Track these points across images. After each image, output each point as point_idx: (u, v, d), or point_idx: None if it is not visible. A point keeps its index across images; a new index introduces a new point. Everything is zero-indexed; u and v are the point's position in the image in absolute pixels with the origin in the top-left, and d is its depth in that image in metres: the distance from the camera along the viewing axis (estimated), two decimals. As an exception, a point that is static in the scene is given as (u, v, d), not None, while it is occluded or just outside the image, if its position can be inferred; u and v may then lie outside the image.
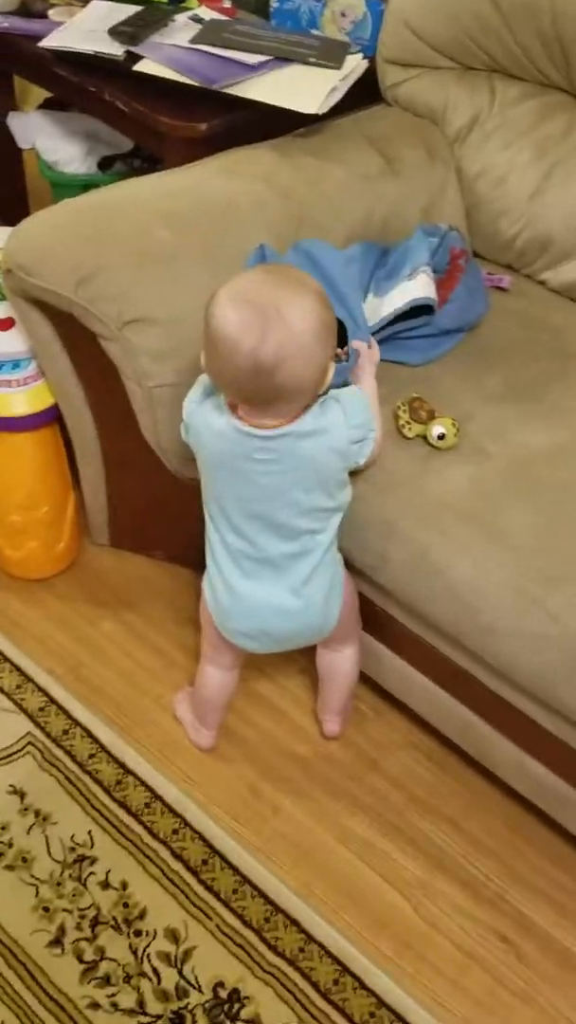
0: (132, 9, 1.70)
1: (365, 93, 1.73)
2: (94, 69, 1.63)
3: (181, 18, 1.74)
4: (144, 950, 1.26)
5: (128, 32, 1.62)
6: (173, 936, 1.27)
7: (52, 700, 1.52)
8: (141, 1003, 1.22)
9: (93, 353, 1.40)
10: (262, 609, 1.23)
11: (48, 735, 1.47)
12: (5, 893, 1.30)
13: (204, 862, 1.35)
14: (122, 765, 1.44)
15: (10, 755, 1.45)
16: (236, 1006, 1.22)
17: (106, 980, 1.23)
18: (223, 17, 1.79)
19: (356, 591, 1.36)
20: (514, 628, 1.18)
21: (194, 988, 1.23)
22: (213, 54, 1.62)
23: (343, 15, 1.78)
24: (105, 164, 2.00)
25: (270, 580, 1.21)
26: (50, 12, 1.79)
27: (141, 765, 1.44)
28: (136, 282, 1.32)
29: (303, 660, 1.56)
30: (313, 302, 1.04)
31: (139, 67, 1.59)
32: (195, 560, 1.74)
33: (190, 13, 1.76)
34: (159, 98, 1.59)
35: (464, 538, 1.23)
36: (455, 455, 1.32)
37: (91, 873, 1.32)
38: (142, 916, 1.29)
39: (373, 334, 1.38)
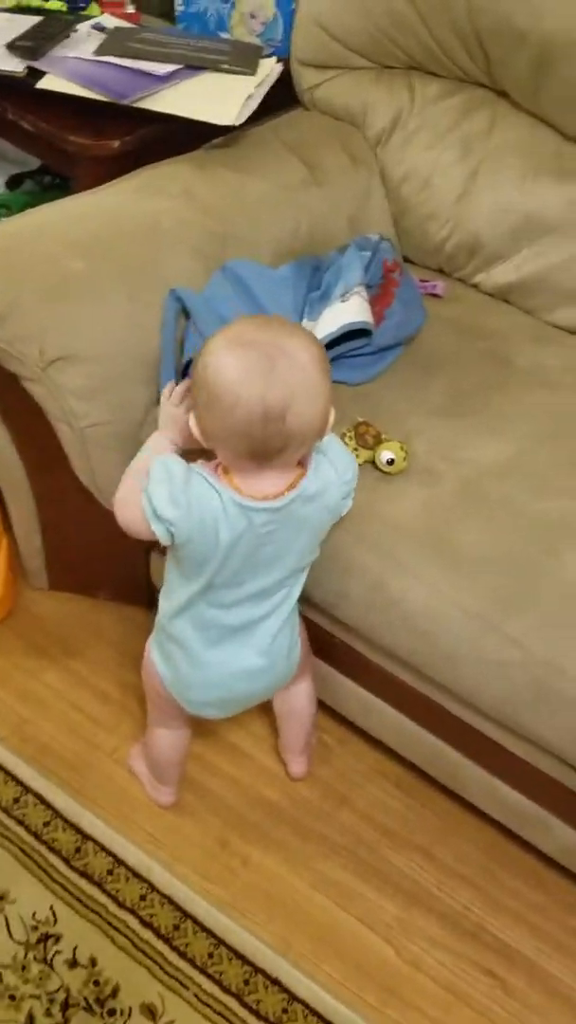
0: (31, 21, 1.60)
1: (281, 96, 1.65)
2: (-6, 87, 1.53)
3: (83, 28, 1.64)
4: (119, 1030, 1.19)
5: (28, 46, 1.52)
6: (150, 1012, 1.20)
7: (-2, 765, 1.43)
8: None
9: (14, 392, 1.32)
10: (228, 676, 1.14)
11: (-3, 804, 1.38)
12: (-36, 983, 1.22)
13: (175, 927, 1.28)
14: (80, 831, 1.36)
15: (-43, 830, 1.36)
16: (221, 1080, 1.16)
17: (81, 1067, 1.16)
18: (127, 24, 1.70)
19: (304, 625, 1.30)
20: (474, 655, 1.14)
21: (175, 1065, 1.16)
22: (121, 66, 1.53)
23: (252, 16, 1.70)
24: (13, 183, 1.90)
25: (238, 644, 1.12)
26: None
27: (99, 828, 1.36)
28: (55, 318, 1.24)
29: (261, 697, 1.50)
30: (309, 336, 0.96)
31: (43, 84, 1.50)
32: (142, 597, 1.67)
33: (92, 22, 1.67)
34: (66, 115, 1.50)
35: (419, 566, 1.18)
36: (405, 478, 1.27)
37: (56, 952, 1.24)
38: (114, 994, 1.21)
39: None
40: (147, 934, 1.27)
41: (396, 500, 1.24)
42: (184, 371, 1.26)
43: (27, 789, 1.40)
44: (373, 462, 1.26)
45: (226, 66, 1.57)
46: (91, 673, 1.57)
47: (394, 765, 1.47)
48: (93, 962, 1.24)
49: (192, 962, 1.24)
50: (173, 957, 1.25)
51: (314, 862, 1.37)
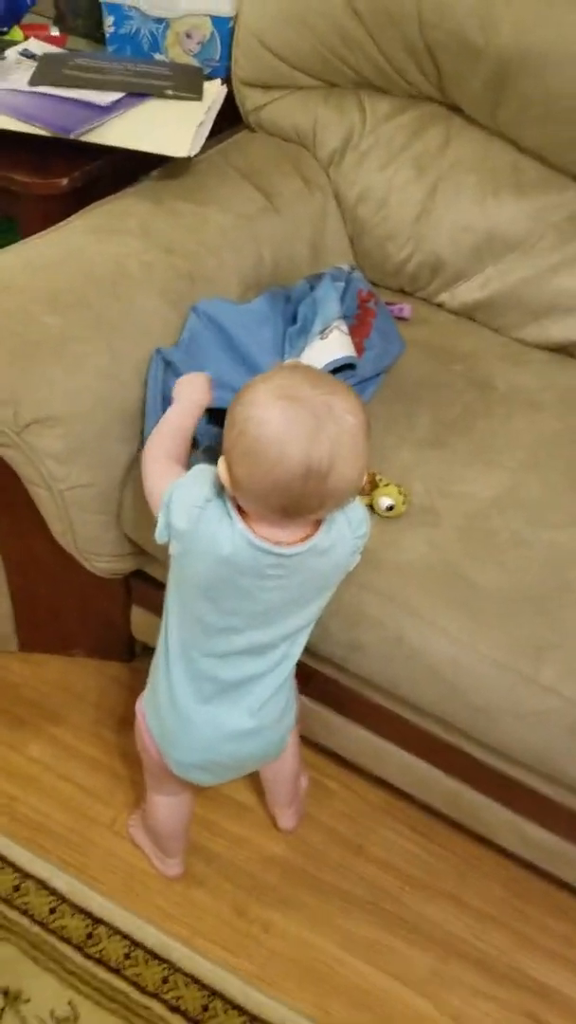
0: (-47, 51, 1.50)
1: (221, 117, 1.58)
2: None
3: (11, 55, 1.55)
4: None
5: (-44, 80, 1.42)
6: None
7: (-9, 852, 1.33)
8: None
9: (-19, 456, 1.23)
10: (216, 737, 1.08)
11: (-4, 895, 1.29)
12: None
13: (204, 1008, 1.21)
14: (89, 914, 1.28)
15: (-44, 928, 1.27)
16: None
17: None
18: (56, 49, 1.61)
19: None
20: (508, 707, 1.10)
21: None
22: (59, 96, 1.45)
23: (188, 36, 1.63)
24: None
25: (230, 703, 1.06)
26: None
27: (110, 910, 1.29)
28: (29, 379, 1.15)
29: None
30: (354, 395, 0.91)
31: (-24, 119, 1.40)
32: (120, 651, 1.60)
33: (19, 48, 1.57)
34: (3, 152, 1.41)
35: (436, 614, 1.14)
36: (406, 521, 1.23)
37: (82, 1052, 1.17)
38: None
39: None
40: (175, 1018, 1.20)
41: (399, 543, 1.20)
42: None
43: (26, 875, 1.31)
44: (371, 507, 1.22)
45: (171, 91, 1.50)
46: (76, 739, 1.49)
47: (404, 805, 1.43)
48: (123, 1058, 1.17)
49: (228, 1045, 1.18)
50: (207, 1042, 1.19)
51: (337, 920, 1.32)
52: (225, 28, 1.59)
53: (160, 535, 0.98)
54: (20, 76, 1.49)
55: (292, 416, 0.86)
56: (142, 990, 1.22)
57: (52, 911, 1.28)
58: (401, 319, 1.56)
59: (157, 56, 1.66)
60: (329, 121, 1.60)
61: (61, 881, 1.31)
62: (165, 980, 1.23)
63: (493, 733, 1.13)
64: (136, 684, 1.55)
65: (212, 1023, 1.20)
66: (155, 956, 1.25)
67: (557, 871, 1.29)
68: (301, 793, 1.40)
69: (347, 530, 1.00)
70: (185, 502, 0.95)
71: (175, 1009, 1.21)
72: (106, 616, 1.53)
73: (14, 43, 1.60)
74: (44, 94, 1.45)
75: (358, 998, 1.25)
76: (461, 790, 1.29)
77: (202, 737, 1.08)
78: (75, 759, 1.46)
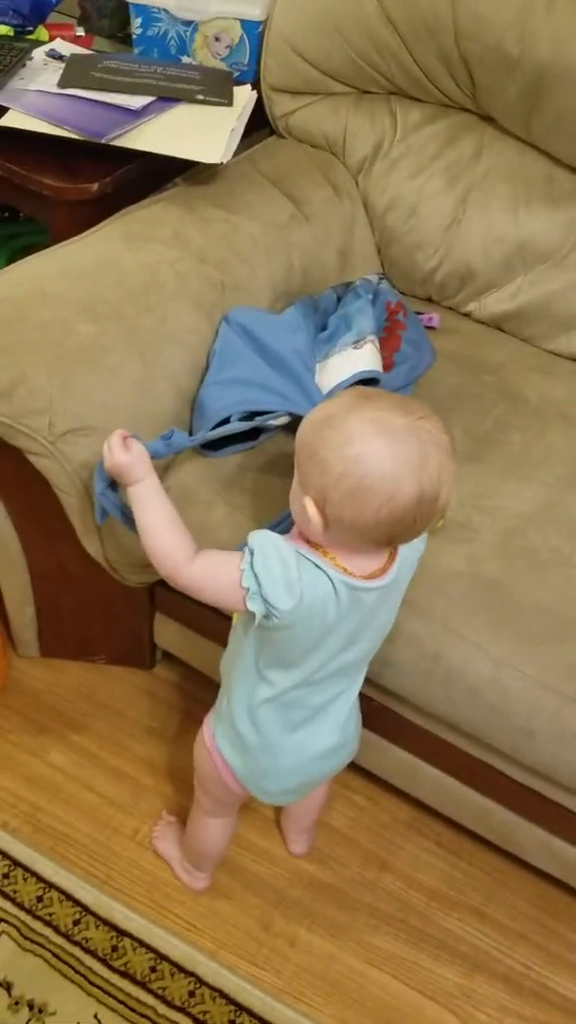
0: (-21, 50, 1.48)
1: (249, 120, 1.56)
2: (-49, 126, 1.41)
3: (38, 56, 1.53)
4: None
5: (-15, 81, 1.41)
6: None
7: (15, 862, 1.32)
8: None
9: (11, 464, 1.22)
10: (308, 760, 1.06)
11: (21, 906, 1.28)
12: None
13: (231, 1023, 1.21)
14: (114, 926, 1.27)
15: (-20, 939, 1.26)
16: None
17: None
18: (83, 50, 1.59)
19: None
20: (552, 730, 1.09)
21: None
22: (89, 99, 1.43)
23: (216, 39, 1.61)
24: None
25: (316, 725, 1.04)
26: None
27: (135, 922, 1.28)
28: (65, 388, 1.14)
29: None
30: (437, 418, 0.89)
31: (6, 121, 1.38)
32: (142, 658, 1.59)
33: (46, 48, 1.55)
34: (33, 154, 1.39)
35: (476, 633, 1.13)
36: (443, 536, 1.22)
37: (109, 1067, 1.16)
38: None
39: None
40: (203, 1035, 1.19)
41: (438, 559, 1.19)
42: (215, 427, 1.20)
43: (50, 885, 1.31)
44: (407, 521, 1.21)
45: (201, 96, 1.49)
46: (99, 748, 1.48)
47: (431, 821, 1.43)
48: (152, 1075, 1.16)
49: (256, 1061, 1.18)
50: (235, 1058, 1.18)
51: (364, 935, 1.31)
52: (254, 32, 1.58)
53: (268, 624, 0.91)
54: (49, 77, 1.48)
55: (398, 450, 0.84)
56: (168, 1004, 1.21)
57: (76, 923, 1.27)
58: (429, 328, 1.55)
59: (184, 59, 1.64)
60: (359, 128, 1.59)
61: (85, 892, 1.30)
62: (192, 994, 1.23)
63: (536, 755, 1.12)
64: (158, 691, 1.56)
65: (239, 1039, 1.20)
66: (181, 969, 1.24)
67: (585, 887, 1.29)
68: (317, 821, 1.39)
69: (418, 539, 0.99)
70: (278, 579, 0.88)
71: (202, 1024, 1.20)
72: (129, 623, 1.52)
73: (40, 43, 1.58)
74: (74, 96, 1.44)
75: (384, 1014, 1.24)
76: (493, 808, 1.28)
77: (296, 763, 1.07)
78: (97, 767, 1.45)
